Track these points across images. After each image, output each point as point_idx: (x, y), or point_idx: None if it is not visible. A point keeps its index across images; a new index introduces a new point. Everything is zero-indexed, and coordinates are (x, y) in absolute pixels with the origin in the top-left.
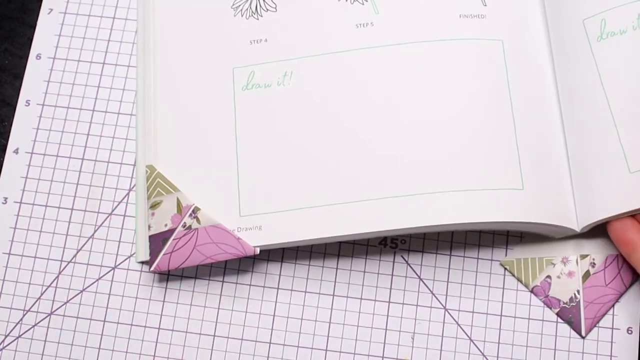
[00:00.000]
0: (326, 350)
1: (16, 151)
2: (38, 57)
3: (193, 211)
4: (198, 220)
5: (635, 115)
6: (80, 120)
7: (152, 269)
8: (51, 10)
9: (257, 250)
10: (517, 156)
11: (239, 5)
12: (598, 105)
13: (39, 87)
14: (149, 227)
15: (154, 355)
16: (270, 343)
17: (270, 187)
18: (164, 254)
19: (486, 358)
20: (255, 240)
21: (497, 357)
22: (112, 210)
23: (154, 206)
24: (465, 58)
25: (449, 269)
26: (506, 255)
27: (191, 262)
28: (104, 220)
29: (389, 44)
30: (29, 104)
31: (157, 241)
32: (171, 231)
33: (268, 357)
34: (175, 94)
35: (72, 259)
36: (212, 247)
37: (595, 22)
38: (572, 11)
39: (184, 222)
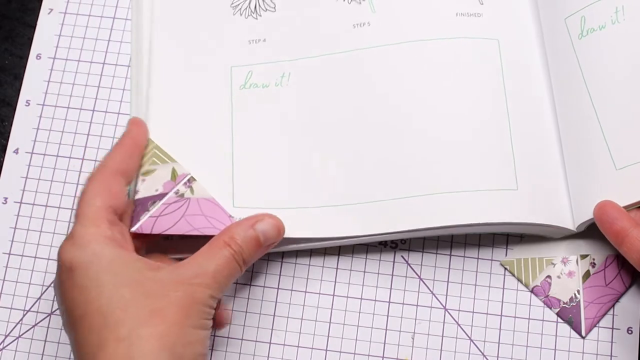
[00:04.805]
0: (326, 350)
1: (16, 151)
2: (38, 57)
3: (189, 180)
4: (192, 190)
5: (616, 111)
6: (80, 120)
7: (133, 229)
8: (51, 10)
9: None
10: (512, 156)
11: (238, 4)
12: (582, 103)
13: (39, 87)
14: (136, 191)
15: None
16: (270, 343)
17: (265, 184)
18: (150, 216)
19: (486, 358)
20: None
21: (497, 357)
22: None
23: (145, 173)
24: (462, 57)
25: (449, 269)
26: (506, 255)
27: (177, 229)
28: None
29: (385, 43)
30: (29, 104)
31: (145, 203)
32: (161, 195)
33: (268, 357)
34: (172, 91)
35: None
36: (201, 219)
37: (576, 20)
38: (556, 10)
39: (177, 189)
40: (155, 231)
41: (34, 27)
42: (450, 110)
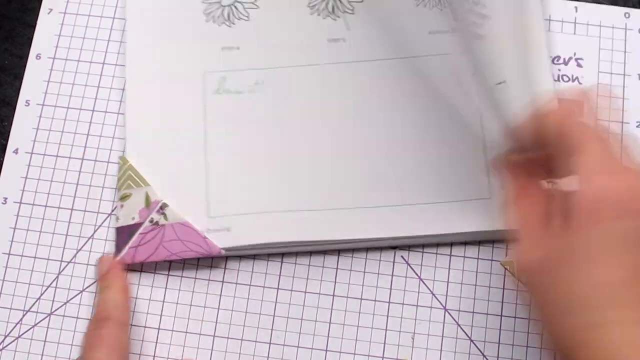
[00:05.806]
0: (326, 350)
1: (16, 151)
2: (38, 57)
3: (161, 207)
4: (165, 217)
5: None
6: (80, 120)
7: (117, 259)
8: (51, 10)
9: (222, 252)
10: (485, 166)
11: (211, 12)
12: None
13: (39, 87)
14: (117, 218)
15: (154, 356)
16: (270, 343)
17: (239, 189)
18: (130, 247)
19: (486, 358)
20: (224, 242)
21: (497, 357)
22: (112, 210)
23: (123, 198)
24: (434, 73)
25: (449, 269)
26: (506, 255)
27: (156, 257)
28: (104, 220)
29: (359, 59)
30: (29, 104)
31: (124, 233)
32: (138, 225)
33: (268, 357)
34: (145, 95)
35: (72, 259)
36: (177, 244)
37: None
38: None
39: (152, 218)
40: (137, 261)
41: (34, 27)
42: (421, 124)
